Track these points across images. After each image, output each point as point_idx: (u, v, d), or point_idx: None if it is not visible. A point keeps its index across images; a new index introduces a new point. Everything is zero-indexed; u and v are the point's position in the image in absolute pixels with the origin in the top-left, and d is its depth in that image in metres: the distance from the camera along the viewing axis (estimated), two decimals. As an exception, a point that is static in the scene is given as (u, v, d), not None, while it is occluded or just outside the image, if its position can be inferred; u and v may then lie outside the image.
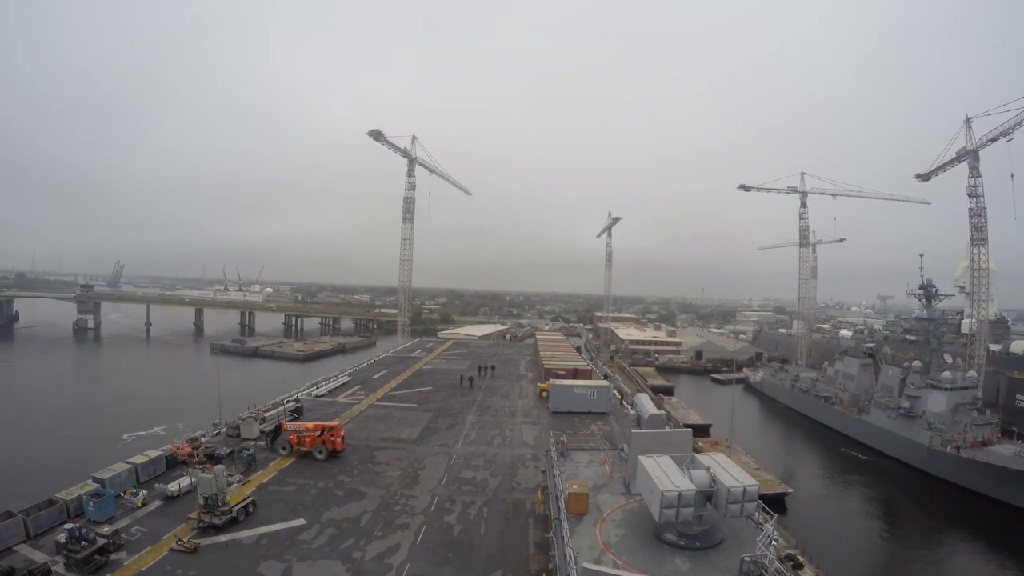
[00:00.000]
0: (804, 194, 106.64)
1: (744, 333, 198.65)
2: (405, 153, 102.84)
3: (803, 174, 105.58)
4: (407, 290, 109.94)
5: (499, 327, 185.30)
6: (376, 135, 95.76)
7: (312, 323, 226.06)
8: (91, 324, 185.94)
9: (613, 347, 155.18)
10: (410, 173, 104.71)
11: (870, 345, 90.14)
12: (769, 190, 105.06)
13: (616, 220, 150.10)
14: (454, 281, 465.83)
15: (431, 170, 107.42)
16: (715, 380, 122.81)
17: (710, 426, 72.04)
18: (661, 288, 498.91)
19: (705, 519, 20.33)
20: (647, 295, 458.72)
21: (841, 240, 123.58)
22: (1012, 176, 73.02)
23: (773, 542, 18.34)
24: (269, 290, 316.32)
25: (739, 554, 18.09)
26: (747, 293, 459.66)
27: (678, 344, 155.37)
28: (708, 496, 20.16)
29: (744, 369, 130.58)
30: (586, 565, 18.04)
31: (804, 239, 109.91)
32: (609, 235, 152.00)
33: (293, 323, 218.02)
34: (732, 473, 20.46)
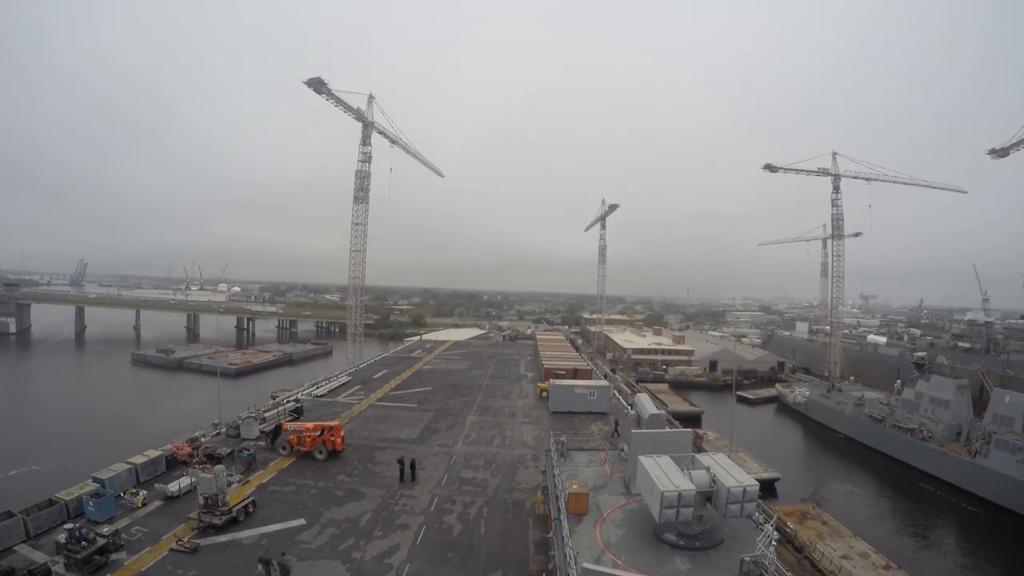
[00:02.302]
0: (837, 177, 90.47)
1: (745, 336, 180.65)
2: (358, 115, 79.75)
3: (835, 154, 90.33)
4: (359, 288, 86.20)
5: (477, 330, 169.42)
6: (317, 85, 71.53)
7: (269, 326, 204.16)
8: (12, 328, 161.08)
9: (611, 356, 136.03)
10: (365, 141, 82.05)
11: (920, 355, 76.09)
12: (798, 171, 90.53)
13: (613, 208, 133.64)
14: (429, 280, 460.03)
15: (393, 140, 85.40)
16: (741, 399, 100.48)
17: (777, 480, 54.70)
18: (640, 287, 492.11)
19: (705, 519, 20.34)
20: (627, 295, 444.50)
21: (857, 235, 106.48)
22: None
23: (773, 542, 18.33)
24: (236, 289, 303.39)
25: (739, 554, 18.06)
26: (727, 292, 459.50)
27: (689, 353, 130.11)
28: (708, 496, 20.19)
29: (776, 385, 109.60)
30: (586, 565, 18.01)
31: (837, 229, 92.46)
32: (603, 227, 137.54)
33: (246, 326, 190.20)
34: (732, 473, 20.48)
